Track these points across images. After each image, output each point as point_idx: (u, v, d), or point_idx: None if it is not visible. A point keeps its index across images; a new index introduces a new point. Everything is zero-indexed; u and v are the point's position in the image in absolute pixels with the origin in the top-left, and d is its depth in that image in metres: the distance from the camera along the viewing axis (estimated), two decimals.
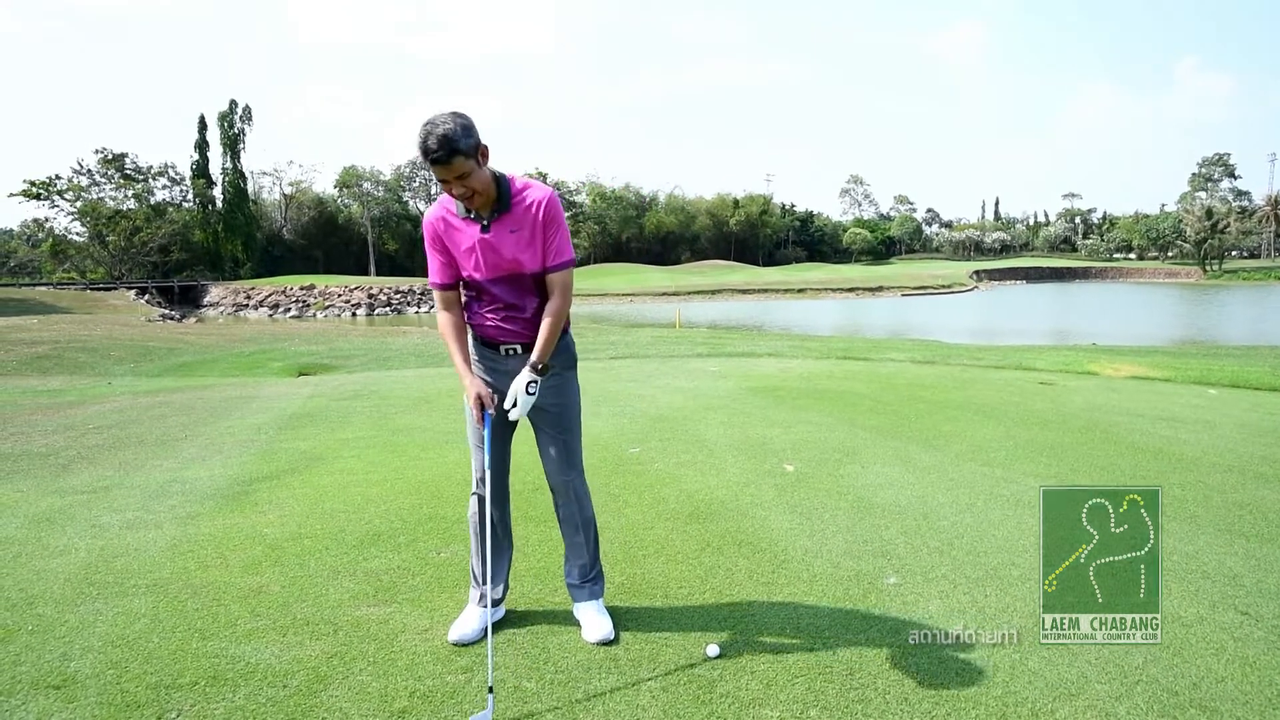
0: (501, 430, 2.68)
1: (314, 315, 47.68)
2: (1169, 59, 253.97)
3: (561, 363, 2.66)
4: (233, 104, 65.52)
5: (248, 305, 50.67)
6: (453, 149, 2.28)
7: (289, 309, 49.29)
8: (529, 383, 2.50)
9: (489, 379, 2.66)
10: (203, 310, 50.51)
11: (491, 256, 2.51)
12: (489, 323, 2.62)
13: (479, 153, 2.36)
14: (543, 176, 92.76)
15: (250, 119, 66.45)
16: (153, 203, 62.40)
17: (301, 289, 52.10)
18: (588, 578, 2.73)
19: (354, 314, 48.32)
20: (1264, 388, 9.00)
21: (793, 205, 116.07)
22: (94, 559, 3.40)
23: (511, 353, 2.62)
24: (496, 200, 2.47)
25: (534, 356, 2.53)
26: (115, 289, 48.91)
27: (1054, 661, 2.45)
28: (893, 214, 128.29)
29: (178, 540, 3.63)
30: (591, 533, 2.75)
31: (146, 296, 47.61)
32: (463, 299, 2.69)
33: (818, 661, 2.44)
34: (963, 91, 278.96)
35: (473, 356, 2.67)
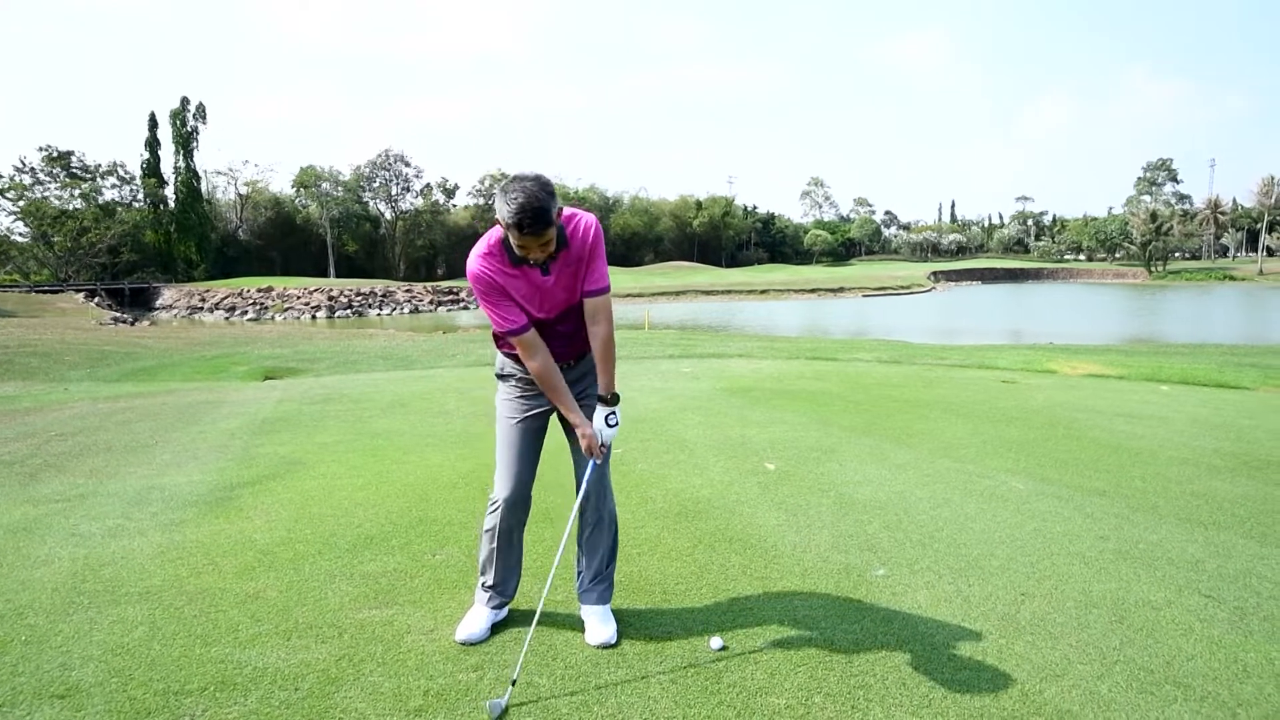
0: (531, 451, 2.72)
1: (272, 318, 46.67)
2: (1118, 67, 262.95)
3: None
4: (185, 101, 63.85)
5: (203, 308, 49.40)
6: (546, 222, 2.31)
7: (246, 311, 48.19)
8: (608, 415, 2.60)
9: (531, 399, 2.70)
10: (155, 313, 49.08)
11: (556, 297, 2.54)
12: None
13: (559, 215, 2.39)
14: (505, 178, 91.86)
15: (204, 117, 64.86)
16: (101, 202, 60.51)
17: (259, 291, 50.99)
18: (600, 579, 2.76)
19: (314, 316, 47.45)
20: (1210, 384, 9.44)
21: (755, 207, 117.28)
22: (80, 568, 3.34)
23: (566, 365, 2.67)
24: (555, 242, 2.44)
25: (602, 388, 2.61)
26: (62, 291, 47.29)
27: (1038, 645, 2.59)
28: (852, 216, 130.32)
29: (165, 547, 3.59)
30: (614, 535, 2.79)
31: (96, 299, 46.11)
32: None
33: (817, 651, 2.54)
34: (919, 96, 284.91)
35: (517, 372, 2.70)
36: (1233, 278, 76.89)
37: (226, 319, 46.29)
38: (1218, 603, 2.95)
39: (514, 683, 2.30)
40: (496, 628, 2.73)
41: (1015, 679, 2.37)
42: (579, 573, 2.84)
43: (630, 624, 2.74)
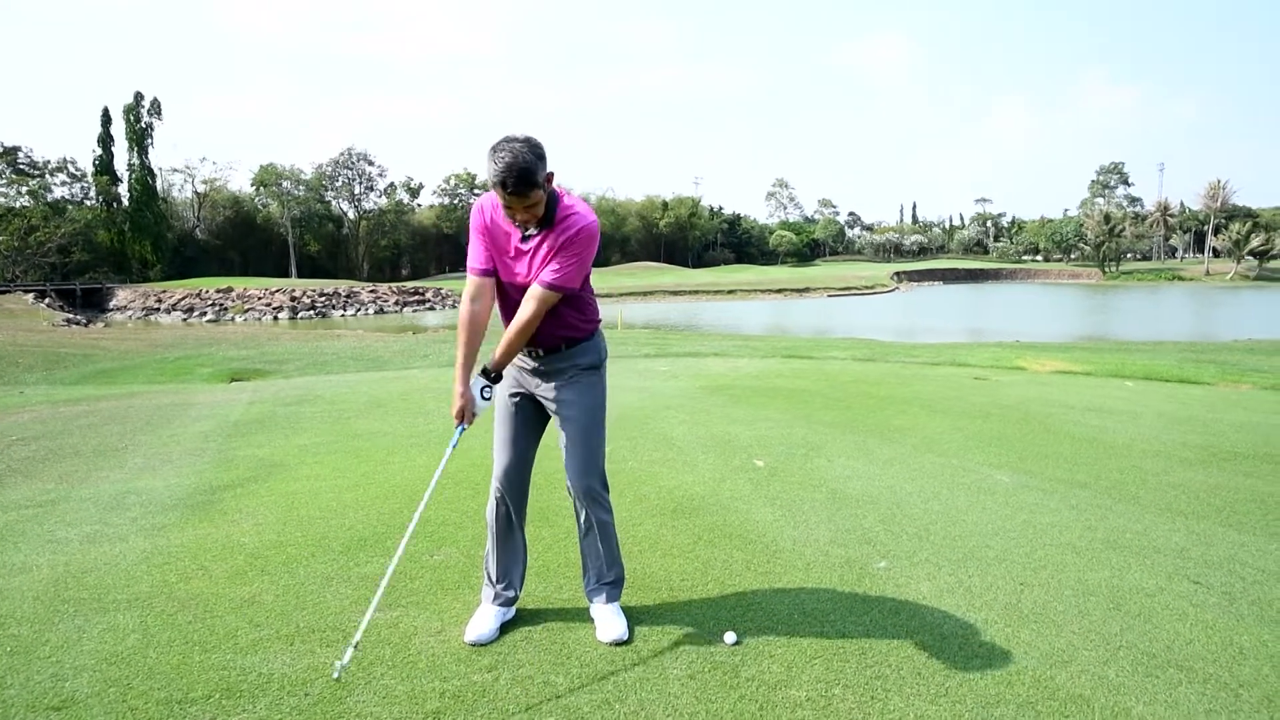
0: (524, 431, 2.70)
1: (232, 319, 45.55)
2: (1073, 73, 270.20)
3: (589, 361, 2.68)
4: (139, 96, 61.98)
5: (159, 309, 47.98)
6: (531, 184, 2.32)
7: (205, 313, 46.95)
8: (483, 388, 2.59)
9: (512, 378, 2.71)
10: (109, 315, 47.53)
11: (522, 266, 2.53)
12: None
13: (547, 179, 2.38)
14: (471, 178, 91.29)
15: (159, 113, 63.05)
16: (50, 200, 58.51)
17: (218, 292, 49.74)
18: (604, 580, 2.73)
19: (276, 317, 46.42)
20: (1172, 379, 9.76)
21: (720, 208, 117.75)
22: (60, 575, 3.22)
23: (534, 354, 2.66)
24: (542, 216, 2.46)
25: (489, 362, 2.57)
26: (9, 292, 45.52)
27: (1043, 633, 2.64)
28: (816, 217, 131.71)
29: (149, 553, 3.47)
30: (609, 536, 2.74)
31: (47, 300, 44.55)
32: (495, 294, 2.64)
33: (830, 643, 2.55)
34: (882, 99, 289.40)
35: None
36: (1181, 278, 79.55)
37: (184, 320, 45.07)
38: (1206, 588, 3.04)
39: (356, 646, 2.37)
40: (505, 627, 2.69)
41: (1025, 666, 2.41)
42: (585, 572, 2.81)
43: (641, 620, 2.72)
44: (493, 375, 2.59)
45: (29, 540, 3.68)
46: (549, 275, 2.47)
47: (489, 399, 2.60)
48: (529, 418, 2.71)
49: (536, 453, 2.78)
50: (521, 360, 2.68)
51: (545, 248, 2.49)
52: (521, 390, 2.70)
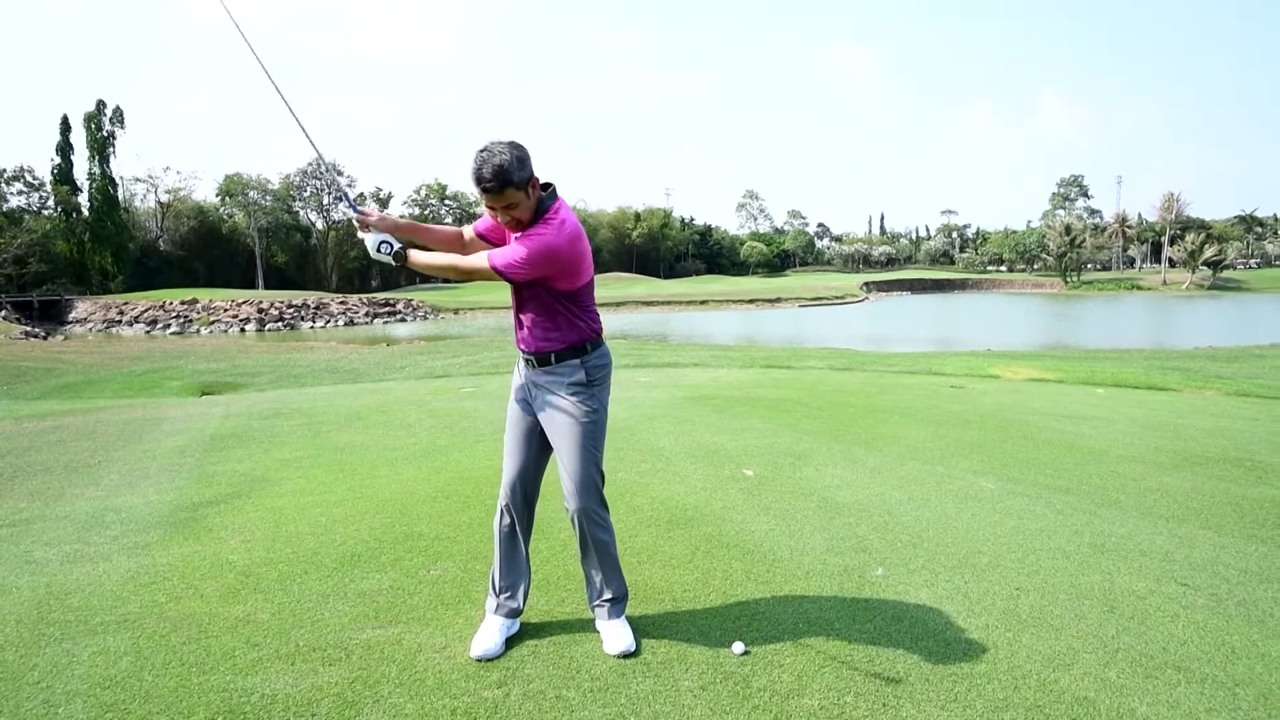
0: (528, 440, 2.68)
1: (198, 331, 44.61)
2: (1035, 88, 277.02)
3: (577, 379, 2.60)
4: (100, 104, 60.67)
5: (121, 321, 46.82)
6: (505, 181, 2.36)
7: (169, 325, 45.90)
8: (383, 242, 2.68)
9: (517, 383, 2.74)
10: (68, 327, 46.27)
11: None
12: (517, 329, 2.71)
13: (530, 184, 2.41)
14: (442, 188, 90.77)
15: (121, 121, 61.75)
16: (5, 210, 56.95)
17: (183, 304, 48.72)
18: (603, 598, 2.71)
19: (243, 329, 45.55)
20: (1141, 386, 10.01)
21: (692, 219, 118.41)
22: (42, 597, 3.12)
23: (529, 362, 2.68)
24: (527, 221, 2.51)
25: (410, 246, 2.70)
26: None
27: (1043, 637, 2.68)
28: (786, 228, 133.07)
29: (134, 572, 3.38)
30: (608, 555, 2.70)
31: (3, 313, 43.25)
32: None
33: (838, 651, 2.57)
34: (850, 111, 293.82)
35: (518, 353, 2.78)
36: (1140, 287, 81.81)
37: (148, 333, 44.02)
38: (1194, 590, 3.11)
39: None
40: (510, 642, 2.66)
41: (1029, 670, 2.45)
42: (588, 585, 2.80)
43: (647, 632, 2.72)
44: (396, 250, 2.67)
45: (4, 561, 3.56)
46: (496, 253, 2.52)
47: (383, 253, 2.68)
48: (534, 427, 2.70)
49: (545, 467, 2.76)
50: (526, 370, 2.70)
51: None
52: (516, 397, 2.72)
